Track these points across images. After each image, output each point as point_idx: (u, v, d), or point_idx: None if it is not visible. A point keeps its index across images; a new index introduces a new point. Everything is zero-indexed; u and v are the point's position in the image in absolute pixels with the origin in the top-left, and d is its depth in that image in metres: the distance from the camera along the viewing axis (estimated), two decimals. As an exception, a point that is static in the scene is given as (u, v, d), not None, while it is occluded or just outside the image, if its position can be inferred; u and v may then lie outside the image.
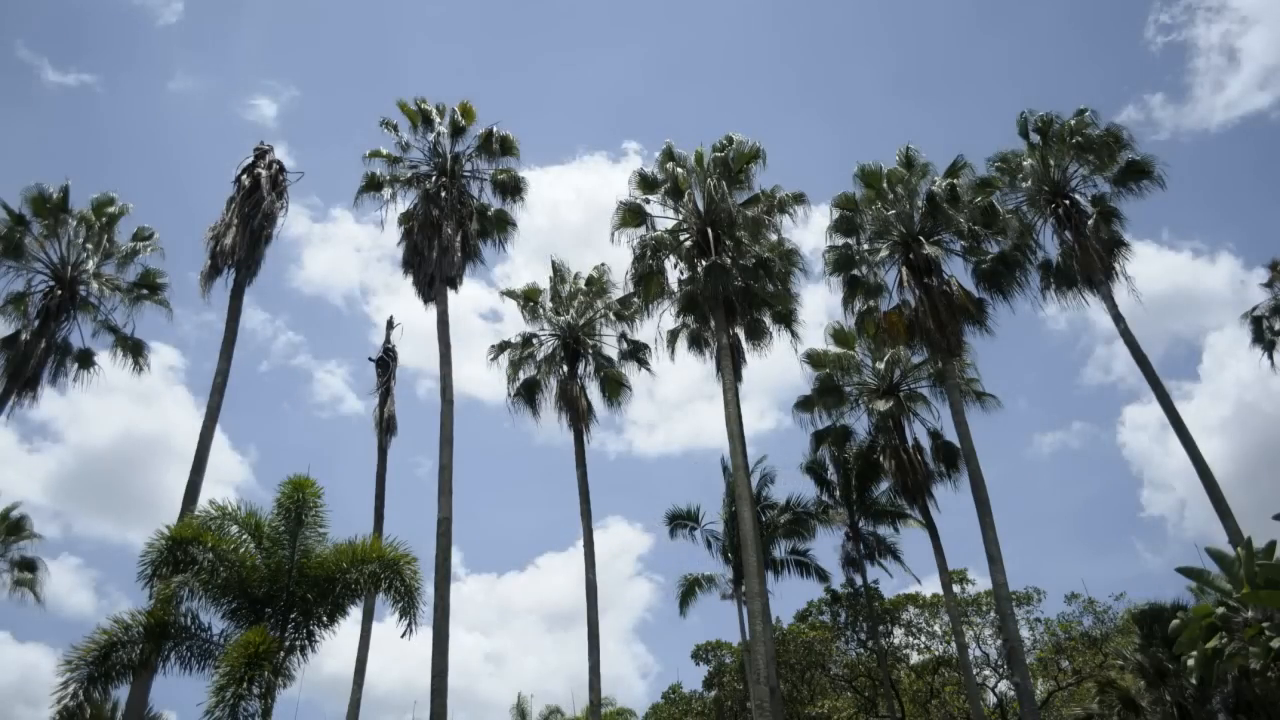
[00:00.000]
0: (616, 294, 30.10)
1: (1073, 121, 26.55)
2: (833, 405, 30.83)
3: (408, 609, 14.15)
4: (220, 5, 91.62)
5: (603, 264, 30.71)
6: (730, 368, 24.37)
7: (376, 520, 27.05)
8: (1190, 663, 18.09)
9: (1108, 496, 77.61)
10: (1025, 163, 27.00)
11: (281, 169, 27.30)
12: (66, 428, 76.00)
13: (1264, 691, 20.74)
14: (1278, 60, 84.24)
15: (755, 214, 26.44)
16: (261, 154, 27.33)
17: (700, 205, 26.71)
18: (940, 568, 27.56)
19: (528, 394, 29.53)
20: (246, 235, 25.06)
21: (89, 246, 27.16)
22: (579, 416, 28.13)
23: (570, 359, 29.77)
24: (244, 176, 26.55)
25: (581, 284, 30.78)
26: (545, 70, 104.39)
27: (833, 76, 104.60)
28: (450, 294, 25.12)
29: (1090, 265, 25.04)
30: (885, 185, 27.38)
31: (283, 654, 13.33)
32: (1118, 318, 24.64)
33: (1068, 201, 26.26)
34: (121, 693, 19.77)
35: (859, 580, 32.89)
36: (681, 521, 32.73)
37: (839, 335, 30.77)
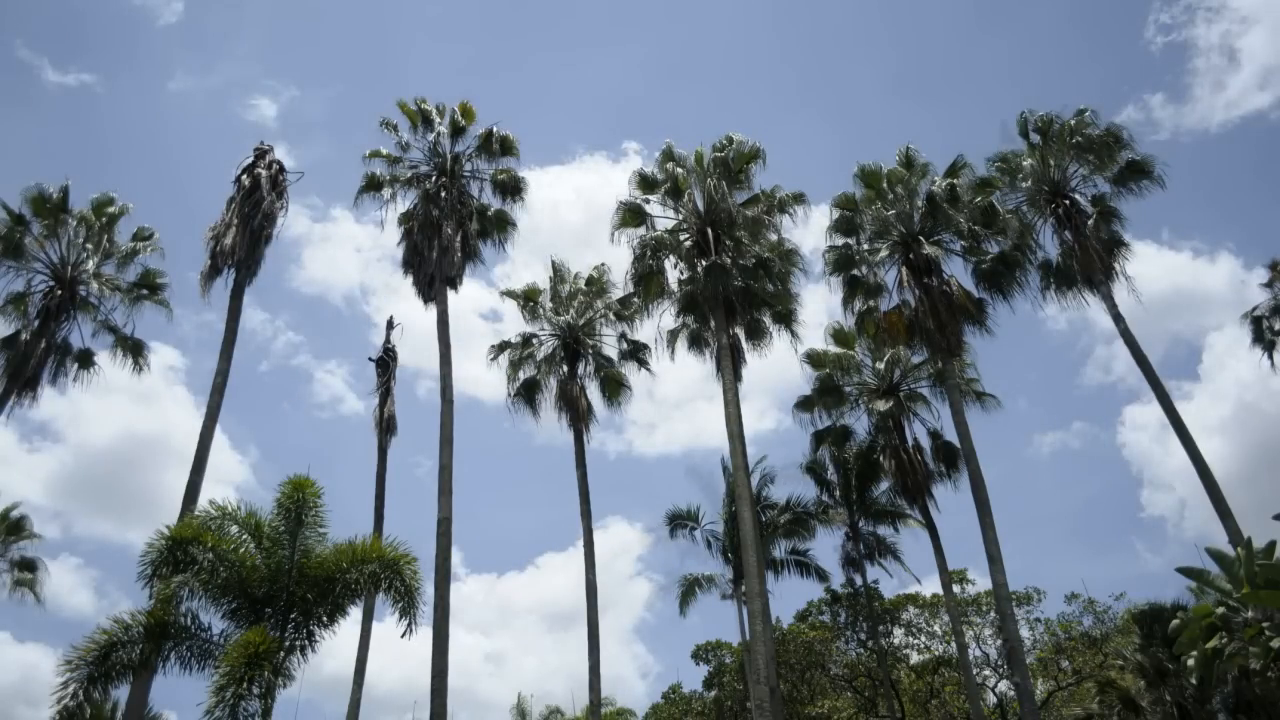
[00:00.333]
0: (616, 294, 30.11)
1: (1072, 121, 26.52)
2: (833, 405, 30.85)
3: (408, 609, 14.15)
4: (220, 5, 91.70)
5: (602, 264, 30.74)
6: (730, 368, 24.37)
7: (376, 520, 27.07)
8: (1190, 663, 18.08)
9: (1108, 496, 77.72)
10: (1025, 163, 26.98)
11: (281, 169, 27.31)
12: (66, 428, 76.10)
13: (1264, 691, 20.74)
14: (1278, 60, 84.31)
15: (755, 214, 26.43)
16: (261, 154, 27.34)
17: (700, 205, 26.70)
18: (940, 568, 27.56)
19: (527, 394, 29.52)
20: (246, 235, 25.07)
21: (89, 246, 27.16)
22: (579, 416, 28.13)
23: (570, 359, 29.76)
24: (244, 176, 26.56)
25: (581, 284, 30.77)
26: (545, 70, 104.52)
27: (833, 76, 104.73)
28: (450, 294, 25.16)
29: (1090, 265, 25.03)
30: (885, 185, 27.37)
31: (283, 654, 13.32)
32: (1118, 318, 24.64)
33: (1067, 201, 26.24)
34: (121, 693, 19.77)
35: (859, 580, 32.92)
36: (681, 522, 32.75)
37: (839, 335, 30.78)
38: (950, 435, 27.74)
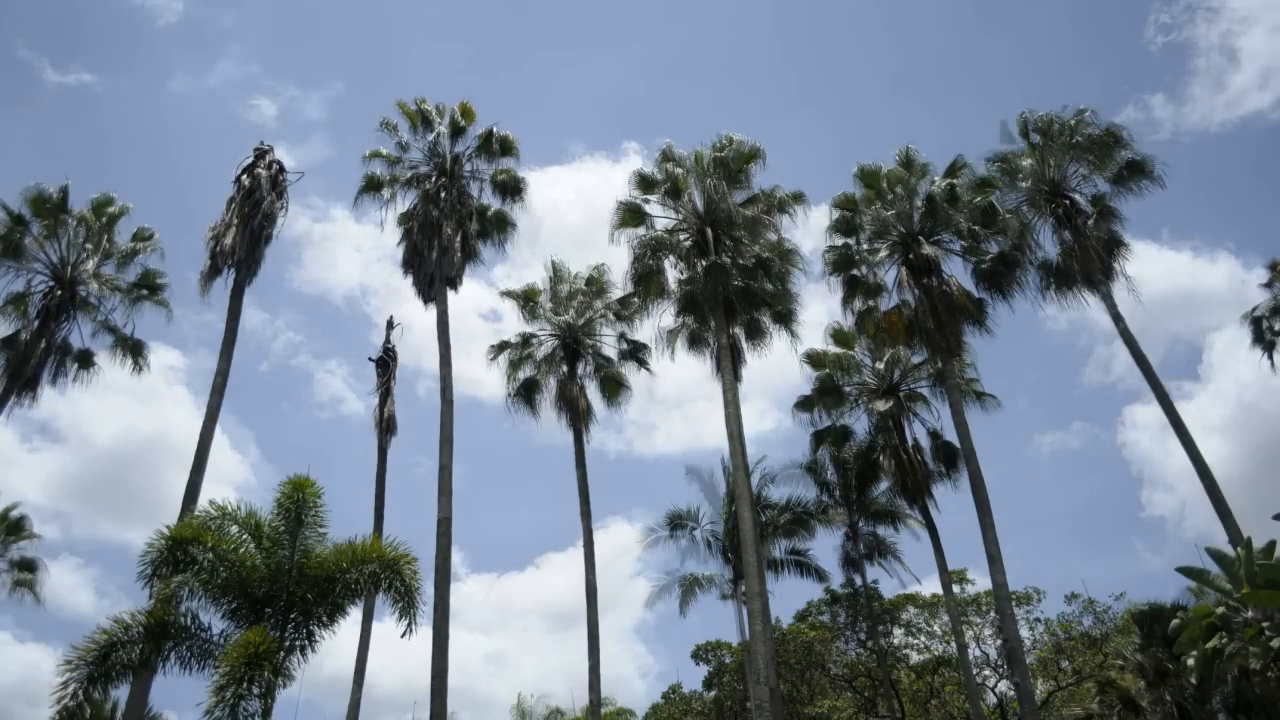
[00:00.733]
0: (616, 294, 30.10)
1: (1072, 121, 26.50)
2: (832, 405, 30.86)
3: (408, 609, 14.14)
4: (220, 5, 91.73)
5: (602, 264, 30.71)
6: (729, 368, 24.36)
7: (376, 520, 27.07)
8: (1190, 663, 18.10)
9: (1108, 496, 77.77)
10: (1024, 162, 26.96)
11: (281, 169, 27.31)
12: (66, 428, 76.13)
13: (1264, 691, 20.75)
14: (1278, 60, 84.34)
15: (754, 214, 26.43)
16: (261, 154, 27.33)
17: (699, 205, 26.69)
18: (940, 568, 27.57)
19: (527, 394, 29.51)
20: (246, 235, 25.07)
21: (89, 247, 27.18)
22: (578, 416, 28.11)
23: (569, 359, 29.75)
24: (244, 177, 26.56)
25: (581, 284, 30.75)
26: (545, 70, 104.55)
27: (833, 76, 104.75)
28: (450, 294, 25.18)
29: (1090, 265, 25.01)
30: (885, 185, 27.38)
31: (283, 654, 13.31)
32: (1117, 318, 24.62)
33: (1067, 201, 26.22)
34: (121, 693, 19.81)
35: (858, 580, 32.94)
36: (681, 522, 32.74)
37: (839, 335, 30.79)
38: (950, 435, 27.80)
